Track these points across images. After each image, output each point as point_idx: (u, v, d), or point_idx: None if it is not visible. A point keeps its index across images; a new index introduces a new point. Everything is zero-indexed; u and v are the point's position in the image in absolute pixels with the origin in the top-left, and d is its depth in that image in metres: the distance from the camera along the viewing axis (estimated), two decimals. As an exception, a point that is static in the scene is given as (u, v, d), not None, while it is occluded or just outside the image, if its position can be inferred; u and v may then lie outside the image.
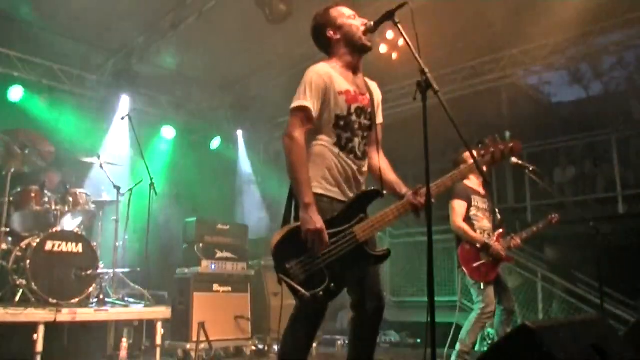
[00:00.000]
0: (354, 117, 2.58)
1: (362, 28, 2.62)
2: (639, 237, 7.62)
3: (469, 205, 4.40)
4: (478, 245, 4.29)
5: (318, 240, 2.34)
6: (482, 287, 4.23)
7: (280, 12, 5.92)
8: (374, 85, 2.78)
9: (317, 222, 2.34)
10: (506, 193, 9.83)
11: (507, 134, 2.67)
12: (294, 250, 2.37)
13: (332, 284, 2.35)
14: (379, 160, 2.71)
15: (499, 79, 8.11)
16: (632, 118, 10.85)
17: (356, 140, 2.59)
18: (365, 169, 2.66)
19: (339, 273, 2.38)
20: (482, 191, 4.56)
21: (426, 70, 2.22)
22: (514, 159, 4.65)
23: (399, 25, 2.39)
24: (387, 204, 2.57)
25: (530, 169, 4.70)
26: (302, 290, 2.32)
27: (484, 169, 2.57)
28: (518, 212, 9.47)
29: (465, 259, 4.33)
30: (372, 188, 2.60)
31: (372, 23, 2.60)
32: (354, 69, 2.67)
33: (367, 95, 2.66)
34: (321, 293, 2.34)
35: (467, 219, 4.39)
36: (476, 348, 4.66)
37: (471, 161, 2.61)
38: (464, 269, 4.32)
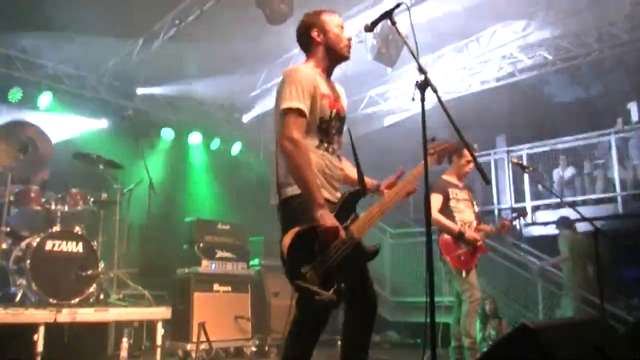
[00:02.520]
0: (333, 122, 2.62)
1: (345, 42, 2.68)
2: (639, 237, 7.61)
3: (447, 198, 4.56)
4: (455, 234, 4.43)
5: (336, 237, 2.34)
6: (463, 275, 4.38)
7: (280, 12, 5.91)
8: (342, 90, 2.83)
9: (334, 220, 2.35)
10: (506, 193, 9.83)
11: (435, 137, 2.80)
12: (305, 254, 2.33)
13: (342, 284, 2.35)
14: (346, 162, 2.79)
15: (499, 79, 8.12)
16: (633, 118, 10.83)
17: (333, 143, 2.64)
18: (342, 168, 2.70)
19: (345, 272, 2.39)
20: (460, 184, 4.72)
21: (425, 70, 2.23)
22: (513, 159, 4.70)
23: (397, 26, 2.40)
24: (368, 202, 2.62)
25: (530, 169, 4.75)
26: (326, 293, 2.29)
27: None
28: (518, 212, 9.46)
29: (446, 248, 4.49)
30: (357, 188, 2.60)
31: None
32: (328, 73, 2.73)
33: (340, 100, 2.72)
34: (335, 295, 2.33)
35: (448, 211, 4.53)
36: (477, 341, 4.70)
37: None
38: (447, 257, 4.47)
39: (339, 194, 2.60)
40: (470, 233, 4.44)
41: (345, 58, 2.71)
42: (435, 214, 4.47)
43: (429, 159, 2.66)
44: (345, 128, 2.72)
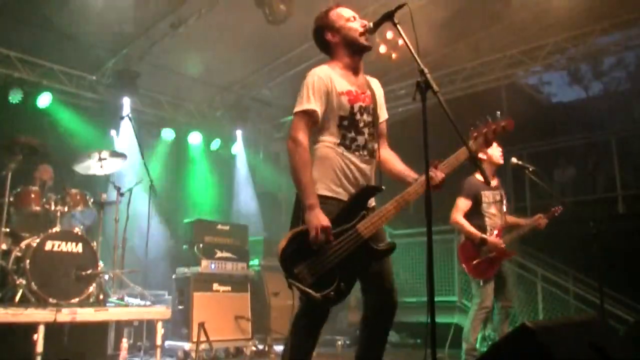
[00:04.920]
0: (357, 116, 2.59)
1: (361, 30, 2.63)
2: (639, 237, 7.61)
3: (479, 202, 4.39)
4: (476, 241, 4.28)
5: (325, 238, 2.34)
6: (481, 284, 4.26)
7: (280, 12, 5.91)
8: (375, 83, 2.79)
9: (323, 219, 2.35)
10: (506, 193, 9.82)
11: (498, 113, 2.72)
12: (300, 254, 2.36)
13: (342, 284, 2.35)
14: (384, 153, 2.73)
15: (499, 79, 8.11)
16: (633, 118, 10.85)
17: (361, 138, 2.60)
18: (372, 166, 2.65)
19: (347, 272, 2.39)
20: (493, 183, 4.51)
21: (425, 70, 2.23)
22: (514, 159, 4.66)
23: (399, 26, 2.40)
24: (390, 197, 2.59)
25: (530, 169, 4.70)
26: (314, 293, 2.32)
27: (481, 151, 2.67)
28: (518, 212, 9.46)
29: (465, 256, 4.37)
30: (371, 184, 2.61)
31: (371, 24, 2.61)
32: (354, 70, 2.68)
33: (368, 93, 2.67)
34: (332, 293, 2.34)
35: (478, 215, 4.38)
36: (477, 347, 4.66)
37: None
38: (464, 266, 4.37)
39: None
40: (491, 240, 4.26)
41: (366, 47, 2.66)
42: (459, 218, 4.35)
43: (472, 143, 2.63)
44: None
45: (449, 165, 2.56)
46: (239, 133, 9.08)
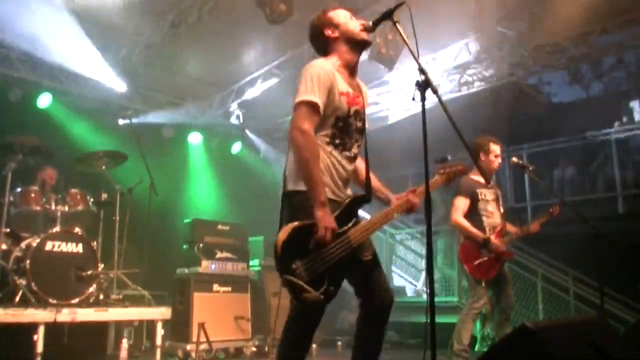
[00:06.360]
0: (351, 120, 2.55)
1: (360, 27, 2.62)
2: (639, 237, 7.61)
3: (476, 200, 4.36)
4: (479, 241, 4.24)
5: (330, 239, 2.32)
6: (483, 285, 4.21)
7: (280, 12, 5.90)
8: (364, 88, 2.77)
9: (332, 221, 2.33)
10: (506, 193, 9.83)
11: (448, 156, 2.78)
12: (299, 251, 2.33)
13: (331, 287, 2.35)
14: (363, 164, 2.71)
15: (499, 79, 8.11)
16: (633, 118, 10.86)
17: (350, 142, 2.57)
18: (352, 170, 2.65)
19: (336, 276, 2.38)
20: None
21: (425, 70, 2.23)
22: (514, 159, 4.66)
23: (398, 25, 2.39)
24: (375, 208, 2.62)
25: (530, 168, 4.70)
26: (312, 290, 2.29)
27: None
28: (518, 212, 9.49)
29: (466, 256, 4.32)
30: (363, 194, 2.61)
31: (370, 23, 2.60)
32: (351, 69, 2.65)
33: (361, 98, 2.63)
34: (322, 296, 2.33)
35: (476, 215, 4.35)
36: (476, 348, 4.65)
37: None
38: (465, 266, 4.30)
39: (342, 194, 2.56)
40: (494, 242, 4.23)
41: (366, 42, 2.63)
42: (460, 218, 4.32)
43: (438, 178, 2.74)
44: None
45: (435, 185, 2.64)
46: (246, 132, 9.09)
